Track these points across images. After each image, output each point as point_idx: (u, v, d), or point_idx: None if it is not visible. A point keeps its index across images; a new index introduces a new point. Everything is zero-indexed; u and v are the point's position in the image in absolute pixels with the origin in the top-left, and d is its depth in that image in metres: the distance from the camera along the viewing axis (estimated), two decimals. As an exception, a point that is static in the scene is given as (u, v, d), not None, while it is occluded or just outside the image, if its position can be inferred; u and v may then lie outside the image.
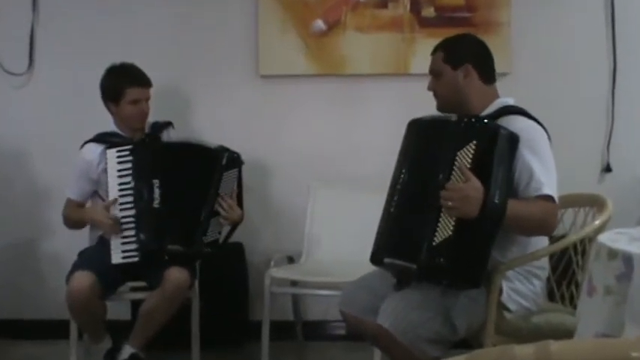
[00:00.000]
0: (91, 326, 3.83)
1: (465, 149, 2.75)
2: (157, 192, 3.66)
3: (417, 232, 2.84)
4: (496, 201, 2.73)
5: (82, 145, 3.92)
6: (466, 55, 3.04)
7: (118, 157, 3.74)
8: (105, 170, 3.77)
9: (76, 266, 3.69)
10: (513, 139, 2.80)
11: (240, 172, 3.78)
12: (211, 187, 3.66)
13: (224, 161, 3.68)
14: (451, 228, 2.74)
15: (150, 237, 3.67)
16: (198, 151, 3.78)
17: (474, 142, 2.75)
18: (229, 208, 3.70)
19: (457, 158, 2.75)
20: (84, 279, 3.58)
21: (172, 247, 3.67)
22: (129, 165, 3.72)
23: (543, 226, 2.90)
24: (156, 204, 3.66)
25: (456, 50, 3.07)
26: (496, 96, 3.07)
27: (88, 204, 3.95)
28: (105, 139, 3.87)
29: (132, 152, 3.74)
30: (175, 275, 3.61)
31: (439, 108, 3.10)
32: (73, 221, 3.92)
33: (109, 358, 3.79)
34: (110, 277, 3.69)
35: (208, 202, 3.66)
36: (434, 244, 2.76)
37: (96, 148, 3.86)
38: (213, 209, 3.67)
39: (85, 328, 3.86)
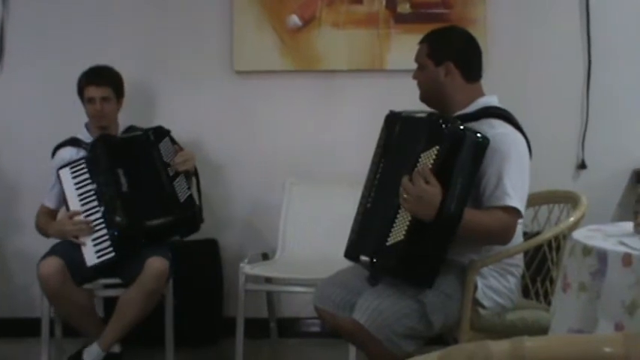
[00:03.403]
0: (79, 318, 3.81)
1: (428, 152, 2.74)
2: (123, 179, 3.78)
3: (378, 230, 2.86)
4: (452, 210, 2.72)
5: (54, 152, 3.98)
6: (449, 53, 3.01)
7: (73, 172, 3.83)
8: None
9: (45, 254, 3.73)
10: (481, 146, 2.77)
11: (171, 138, 3.95)
12: (156, 161, 3.84)
13: (152, 138, 3.88)
14: (404, 232, 2.75)
15: (127, 218, 3.72)
16: (132, 139, 3.96)
17: (437, 147, 2.73)
18: (182, 161, 3.86)
19: (420, 160, 2.75)
20: (51, 263, 3.64)
21: (152, 222, 3.74)
22: (86, 176, 3.82)
23: (497, 239, 2.91)
24: (125, 188, 3.77)
25: (440, 46, 3.04)
26: (480, 94, 3.05)
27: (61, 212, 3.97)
28: (74, 142, 3.97)
29: (86, 161, 3.84)
30: (156, 264, 3.63)
31: (421, 98, 3.10)
32: (41, 230, 3.96)
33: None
34: (82, 266, 3.69)
35: (161, 172, 3.83)
36: (387, 244, 2.79)
37: (70, 151, 3.94)
38: (169, 175, 3.82)
39: (75, 321, 3.84)
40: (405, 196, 2.72)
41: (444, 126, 2.77)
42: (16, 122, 4.57)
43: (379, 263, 2.85)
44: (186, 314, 4.13)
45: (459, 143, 2.74)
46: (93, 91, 3.91)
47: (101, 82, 3.93)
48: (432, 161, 2.73)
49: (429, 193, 2.70)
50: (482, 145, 2.77)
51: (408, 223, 2.75)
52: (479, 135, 2.77)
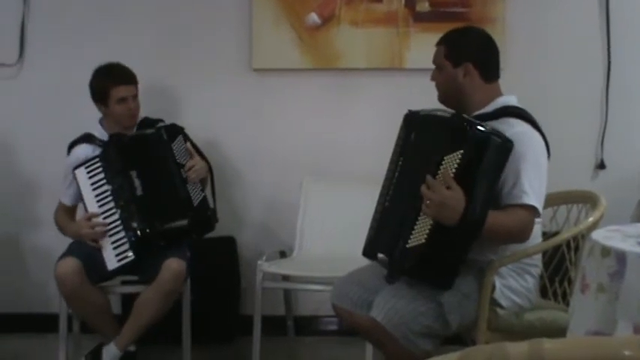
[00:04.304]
0: (95, 318, 3.82)
1: (452, 155, 2.73)
2: (136, 181, 3.77)
3: (398, 230, 2.85)
4: (475, 214, 2.72)
5: (69, 149, 3.96)
6: (467, 54, 3.01)
7: (88, 171, 3.81)
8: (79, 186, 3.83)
9: (63, 254, 3.73)
10: (505, 149, 2.75)
11: (184, 135, 3.91)
12: (169, 163, 3.79)
13: (165, 137, 3.82)
14: (425, 235, 2.75)
15: (143, 223, 3.71)
16: (144, 137, 3.89)
17: (461, 151, 2.71)
18: (193, 174, 3.79)
19: (443, 163, 2.73)
20: (68, 264, 3.64)
21: (170, 225, 3.73)
22: (101, 175, 3.79)
23: (516, 238, 2.90)
24: (139, 192, 3.76)
25: (458, 47, 3.03)
26: (498, 93, 3.04)
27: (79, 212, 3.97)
28: (89, 139, 3.92)
29: (100, 159, 3.81)
30: (173, 265, 3.64)
31: (440, 100, 3.09)
32: (60, 228, 3.96)
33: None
34: (100, 265, 3.70)
35: (175, 174, 3.78)
36: (407, 246, 2.78)
37: (86, 148, 3.91)
38: (183, 178, 3.78)
39: (91, 321, 3.86)
40: (427, 202, 2.72)
41: (468, 128, 2.75)
42: (36, 118, 4.59)
43: (399, 265, 2.84)
44: (203, 312, 4.14)
45: (484, 147, 2.72)
46: (124, 91, 3.85)
47: (129, 81, 3.89)
48: (455, 165, 2.71)
49: (452, 199, 2.69)
50: (506, 148, 2.75)
51: (429, 226, 2.75)
52: (503, 138, 2.75)
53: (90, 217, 3.76)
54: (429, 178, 2.73)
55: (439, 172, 2.73)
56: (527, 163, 2.82)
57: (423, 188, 2.73)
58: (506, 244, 2.94)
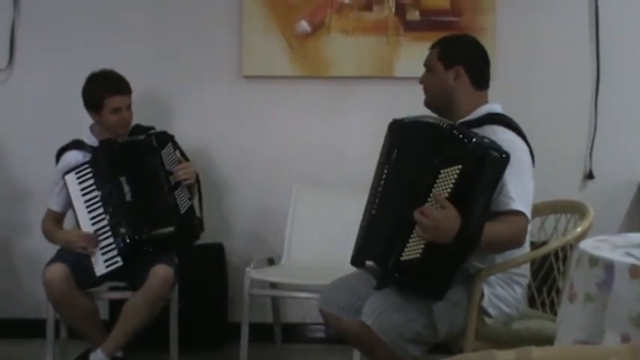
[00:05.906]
0: (82, 323, 3.81)
1: (449, 170, 2.69)
2: (126, 187, 3.77)
3: (390, 241, 2.82)
4: (471, 230, 2.70)
5: (58, 155, 3.94)
6: (460, 57, 3.02)
7: (78, 177, 3.81)
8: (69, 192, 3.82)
9: (51, 260, 3.73)
10: (502, 163, 2.72)
11: (174, 143, 3.93)
12: (158, 169, 3.80)
13: (154, 143, 3.84)
14: (420, 250, 2.73)
15: (132, 229, 3.71)
16: (135, 143, 3.89)
17: (459, 166, 2.68)
18: (185, 171, 3.82)
19: (439, 177, 2.70)
20: (56, 270, 3.64)
21: (158, 231, 3.72)
22: (91, 181, 3.79)
23: (512, 244, 2.89)
24: (128, 198, 3.76)
25: (451, 50, 3.06)
26: (485, 101, 3.05)
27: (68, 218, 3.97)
28: (79, 145, 3.92)
29: (90, 165, 3.81)
30: (161, 272, 3.65)
31: (426, 103, 3.09)
32: (47, 236, 3.94)
33: None
34: (88, 270, 3.69)
35: (163, 181, 3.79)
36: (402, 258, 2.76)
37: (76, 154, 3.90)
38: (171, 184, 3.78)
39: (78, 327, 3.85)
40: (423, 223, 2.68)
41: (466, 142, 2.71)
42: (26, 123, 4.57)
43: (390, 275, 2.82)
44: (191, 318, 4.12)
45: (482, 161, 2.69)
46: (119, 101, 3.82)
47: (125, 91, 3.86)
48: (452, 180, 2.68)
49: (446, 221, 2.67)
50: (503, 161, 2.72)
51: (425, 241, 2.71)
52: (500, 151, 2.72)
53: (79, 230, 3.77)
54: (417, 209, 2.71)
55: (436, 184, 2.70)
56: (511, 170, 2.78)
57: (416, 213, 2.70)
58: (503, 252, 2.94)
